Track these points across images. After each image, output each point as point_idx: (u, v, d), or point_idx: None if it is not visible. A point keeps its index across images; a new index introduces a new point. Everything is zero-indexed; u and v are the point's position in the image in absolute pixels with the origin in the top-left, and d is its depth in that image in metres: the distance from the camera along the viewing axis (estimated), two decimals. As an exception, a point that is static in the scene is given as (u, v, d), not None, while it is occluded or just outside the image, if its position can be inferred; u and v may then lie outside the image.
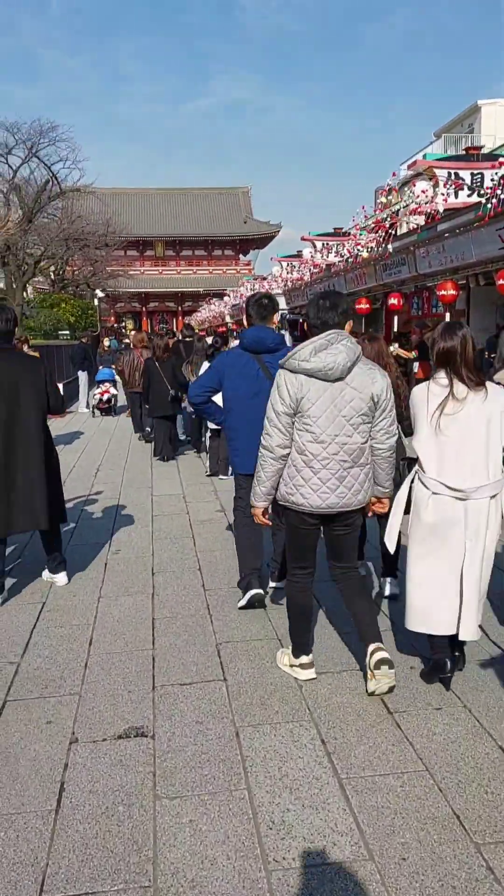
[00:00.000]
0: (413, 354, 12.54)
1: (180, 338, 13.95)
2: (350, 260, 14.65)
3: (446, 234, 12.04)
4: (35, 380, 4.89)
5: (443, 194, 10.79)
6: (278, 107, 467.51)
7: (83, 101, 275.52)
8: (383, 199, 12.21)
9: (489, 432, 3.36)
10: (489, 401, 3.38)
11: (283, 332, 19.69)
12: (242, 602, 4.63)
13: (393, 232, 13.14)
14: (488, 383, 3.44)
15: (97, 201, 40.60)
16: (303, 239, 21.61)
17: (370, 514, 3.80)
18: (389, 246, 12.86)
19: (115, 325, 33.62)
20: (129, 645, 4.22)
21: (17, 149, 34.49)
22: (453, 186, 10.68)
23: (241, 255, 65.71)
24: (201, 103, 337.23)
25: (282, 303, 21.70)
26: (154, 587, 5.18)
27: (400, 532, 3.73)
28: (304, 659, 3.73)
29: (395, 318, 14.91)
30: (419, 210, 11.09)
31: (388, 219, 12.28)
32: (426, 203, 11.08)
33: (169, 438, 10.67)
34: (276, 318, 4.91)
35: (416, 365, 13.84)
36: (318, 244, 20.17)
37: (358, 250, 13.76)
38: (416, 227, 11.77)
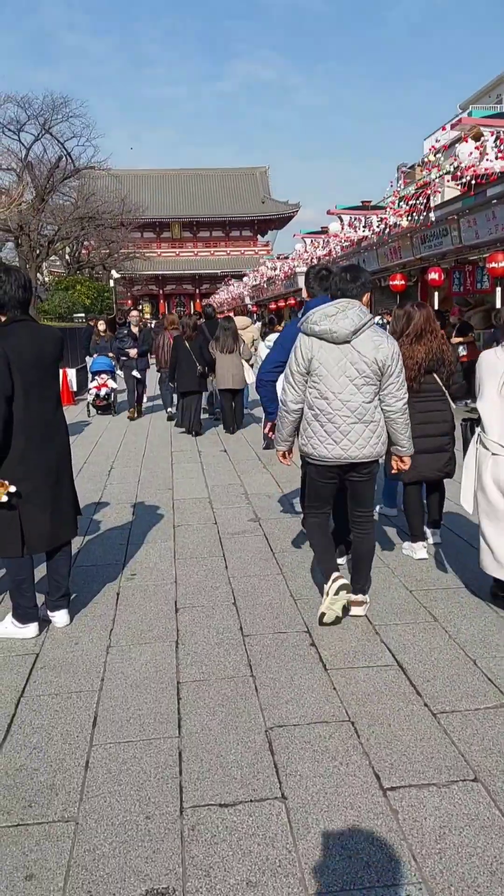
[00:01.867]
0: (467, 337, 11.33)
1: (203, 319, 12.81)
2: (387, 230, 13.31)
3: (494, 200, 10.75)
4: (58, 356, 4.00)
5: (497, 150, 9.46)
6: (299, 87, 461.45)
7: (104, 84, 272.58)
8: (431, 157, 10.87)
9: None
10: None
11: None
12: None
13: (434, 199, 11.84)
14: None
15: (112, 180, 39.44)
16: (329, 213, 20.20)
17: (393, 470, 4.10)
18: (432, 214, 11.56)
19: (125, 308, 32.29)
20: (146, 728, 3.09)
21: (29, 125, 33.34)
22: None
23: (259, 236, 64.20)
24: (222, 85, 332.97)
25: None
26: (178, 631, 4.05)
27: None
28: (334, 575, 3.91)
29: (436, 294, 13.61)
30: (472, 170, 9.77)
31: (434, 182, 10.96)
32: (477, 163, 9.76)
33: (197, 413, 10.92)
34: None
35: (461, 348, 12.59)
36: (346, 218, 18.84)
37: (396, 219, 12.42)
38: (464, 188, 10.44)
